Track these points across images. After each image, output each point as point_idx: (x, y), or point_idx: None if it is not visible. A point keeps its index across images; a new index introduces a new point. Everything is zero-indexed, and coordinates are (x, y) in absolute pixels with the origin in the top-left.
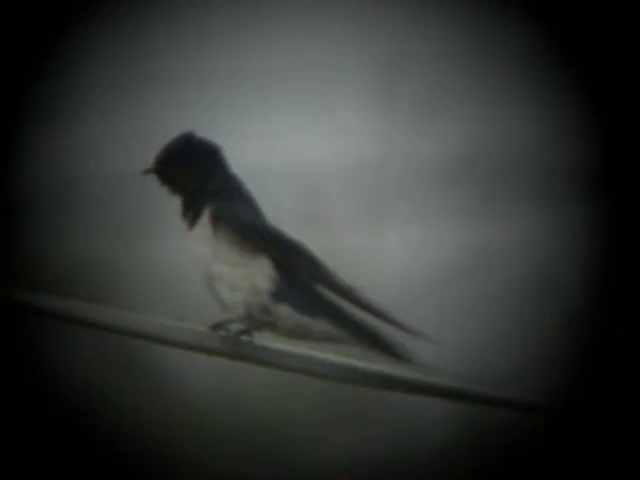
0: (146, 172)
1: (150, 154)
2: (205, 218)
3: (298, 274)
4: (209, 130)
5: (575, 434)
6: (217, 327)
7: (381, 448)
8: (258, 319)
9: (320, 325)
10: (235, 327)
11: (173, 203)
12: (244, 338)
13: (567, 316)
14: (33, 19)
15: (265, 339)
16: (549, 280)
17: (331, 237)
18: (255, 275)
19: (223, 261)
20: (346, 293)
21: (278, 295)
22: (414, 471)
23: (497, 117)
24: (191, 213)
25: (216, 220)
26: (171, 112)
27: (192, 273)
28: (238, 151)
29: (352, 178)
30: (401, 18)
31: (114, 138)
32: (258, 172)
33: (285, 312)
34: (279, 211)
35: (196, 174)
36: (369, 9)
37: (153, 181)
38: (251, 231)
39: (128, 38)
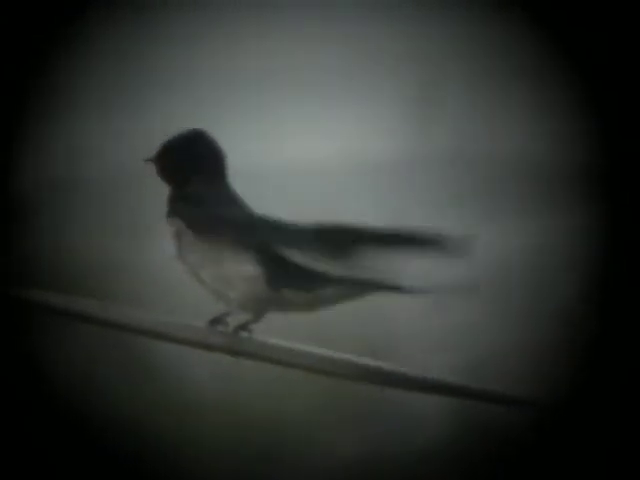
0: (147, 160)
1: (150, 154)
2: (172, 230)
3: (286, 257)
4: (210, 130)
5: (574, 432)
6: (216, 322)
7: (382, 446)
8: (265, 307)
9: (330, 292)
10: (234, 322)
11: None
12: (243, 334)
13: (567, 315)
14: (33, 19)
15: (265, 335)
16: (548, 279)
17: None
18: (245, 272)
19: (207, 267)
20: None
21: (276, 282)
22: (415, 469)
23: (497, 117)
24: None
25: (182, 234)
26: (172, 112)
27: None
28: (240, 151)
29: (354, 179)
30: (402, 19)
31: (114, 138)
32: (258, 173)
33: (289, 295)
34: (282, 212)
35: (181, 176)
36: (370, 10)
37: (152, 180)
38: (222, 231)
39: (128, 38)
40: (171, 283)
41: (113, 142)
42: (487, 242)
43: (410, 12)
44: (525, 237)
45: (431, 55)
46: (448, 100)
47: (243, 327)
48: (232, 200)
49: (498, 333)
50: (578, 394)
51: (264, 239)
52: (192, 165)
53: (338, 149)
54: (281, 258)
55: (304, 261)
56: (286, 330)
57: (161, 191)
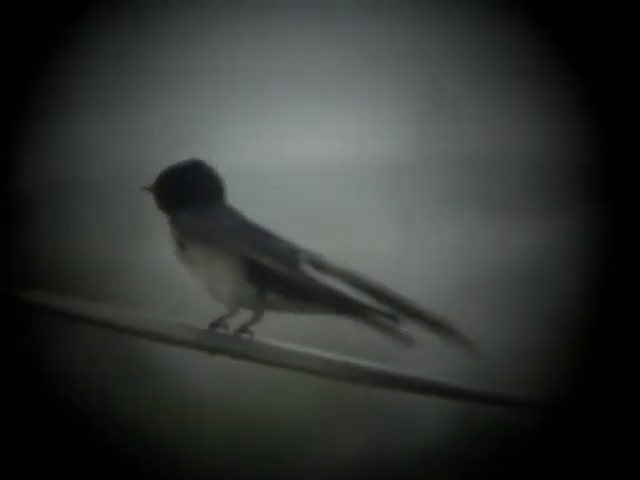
0: (145, 189)
1: (150, 154)
2: (172, 238)
3: (276, 265)
4: (210, 130)
5: (574, 433)
6: (217, 324)
7: (382, 446)
8: (256, 307)
9: (312, 306)
10: (235, 325)
11: None
12: (244, 336)
13: (567, 315)
14: (33, 19)
15: (266, 337)
16: (548, 279)
17: (341, 239)
18: (235, 273)
19: (202, 269)
20: (338, 274)
21: (264, 285)
22: (415, 469)
23: (497, 117)
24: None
25: (180, 238)
26: (172, 112)
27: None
28: (240, 151)
29: (354, 179)
30: (402, 19)
31: (114, 138)
32: (258, 173)
33: (274, 299)
34: (282, 212)
35: (176, 206)
36: (370, 10)
37: (152, 180)
38: (215, 237)
39: (128, 38)
40: (171, 283)
41: (113, 142)
42: (487, 242)
43: (410, 12)
44: (525, 237)
45: (431, 55)
46: (448, 100)
47: (244, 329)
48: (227, 212)
49: (498, 333)
50: (578, 394)
51: (251, 241)
52: (187, 195)
53: (338, 149)
54: (263, 261)
55: (286, 270)
56: (287, 332)
57: None
